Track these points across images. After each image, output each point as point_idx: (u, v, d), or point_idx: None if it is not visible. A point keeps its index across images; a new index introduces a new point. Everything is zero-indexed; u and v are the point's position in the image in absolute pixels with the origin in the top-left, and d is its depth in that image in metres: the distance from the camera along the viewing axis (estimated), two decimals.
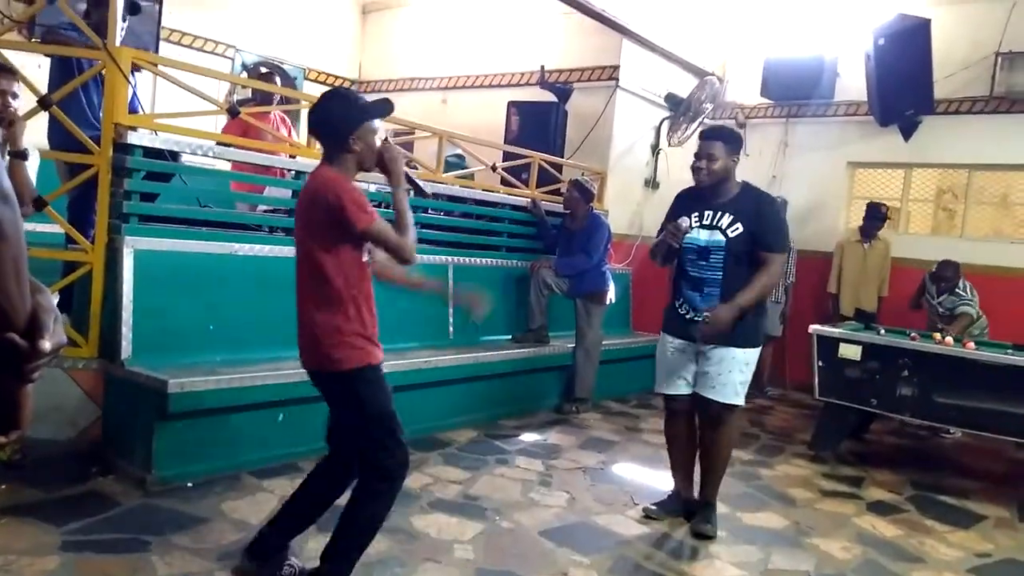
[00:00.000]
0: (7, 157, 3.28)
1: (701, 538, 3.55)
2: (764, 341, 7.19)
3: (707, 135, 3.57)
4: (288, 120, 5.85)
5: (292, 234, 4.47)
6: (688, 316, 3.55)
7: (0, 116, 3.23)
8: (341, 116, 2.49)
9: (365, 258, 2.54)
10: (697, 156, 3.50)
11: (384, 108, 2.57)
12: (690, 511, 3.72)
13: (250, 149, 4.69)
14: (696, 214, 3.50)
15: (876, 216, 7.00)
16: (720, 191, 3.49)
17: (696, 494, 3.76)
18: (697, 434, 3.73)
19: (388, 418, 2.54)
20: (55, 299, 0.80)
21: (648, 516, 3.70)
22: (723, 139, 3.50)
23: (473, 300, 3.25)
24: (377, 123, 2.52)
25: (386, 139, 2.57)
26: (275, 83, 6.04)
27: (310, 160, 4.88)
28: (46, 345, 0.78)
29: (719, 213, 3.48)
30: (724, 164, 3.47)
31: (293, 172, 4.82)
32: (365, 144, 2.49)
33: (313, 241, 2.47)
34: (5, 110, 3.25)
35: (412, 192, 2.74)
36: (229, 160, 4.83)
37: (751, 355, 3.54)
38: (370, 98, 2.61)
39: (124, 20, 4.29)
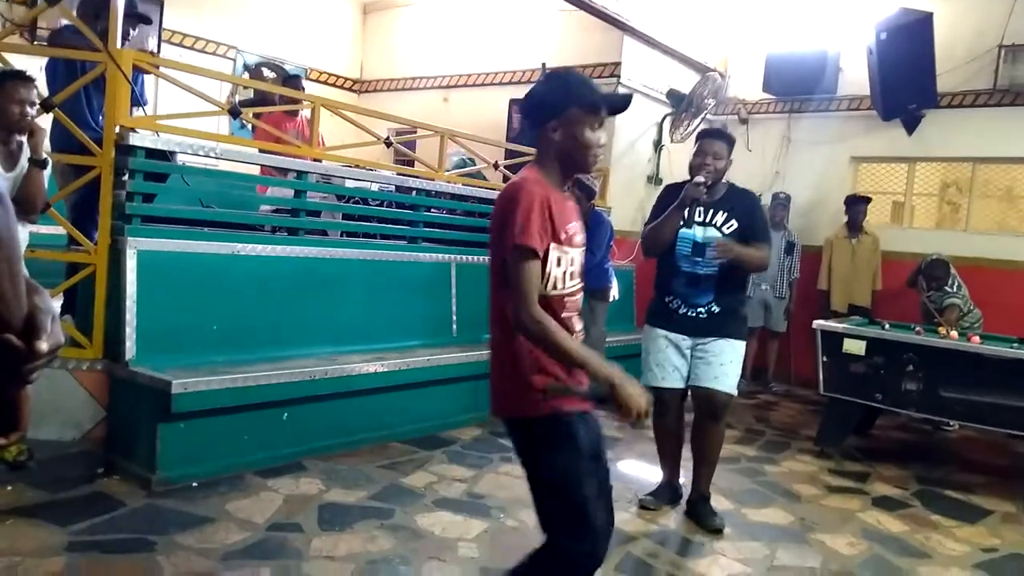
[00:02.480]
0: (28, 165, 3.29)
1: (716, 533, 3.57)
2: (771, 336, 7.34)
3: (712, 134, 3.67)
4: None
5: (294, 234, 4.51)
6: (681, 311, 3.61)
7: (19, 124, 3.24)
8: (550, 96, 2.03)
9: (560, 280, 2.02)
10: (703, 153, 3.56)
11: (612, 99, 2.07)
12: (678, 497, 3.86)
13: (274, 153, 4.71)
14: (687, 210, 3.59)
15: (855, 202, 7.03)
16: (712, 190, 3.59)
17: (676, 483, 3.89)
18: (683, 426, 3.82)
19: (570, 485, 1.96)
20: (58, 301, 0.80)
21: (644, 507, 3.77)
22: (727, 140, 3.62)
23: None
24: (600, 120, 2.02)
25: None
26: (302, 88, 6.10)
27: (330, 163, 4.90)
28: (43, 346, 0.78)
29: (712, 211, 3.58)
30: (726, 164, 3.60)
31: (310, 174, 4.79)
32: (567, 134, 1.99)
33: (493, 254, 2.09)
34: (23, 119, 3.25)
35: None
36: (251, 163, 4.85)
37: (743, 348, 3.68)
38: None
39: (134, 29, 4.32)
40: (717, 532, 3.58)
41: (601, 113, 2.02)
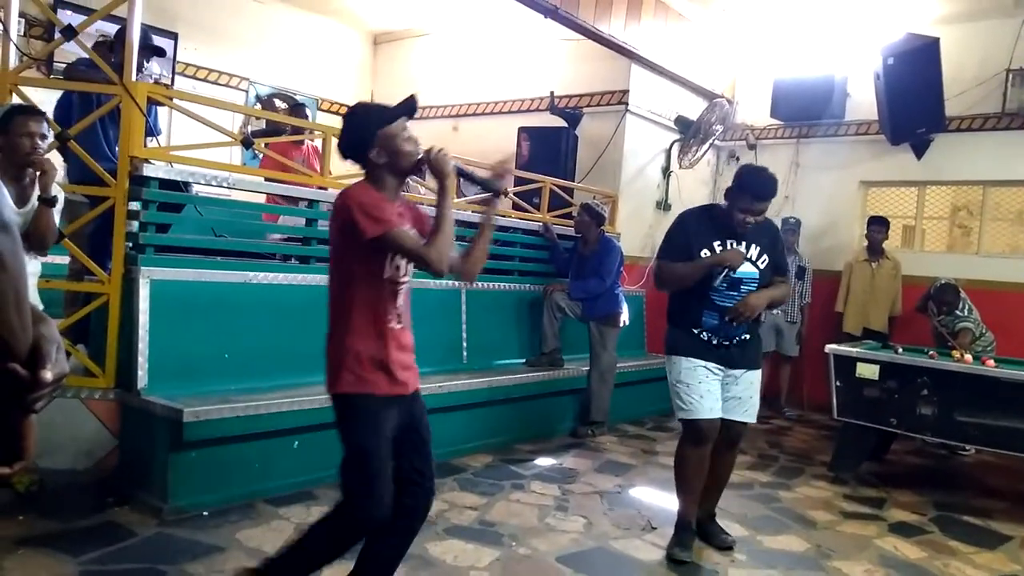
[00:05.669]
0: (38, 202, 3.28)
1: (728, 550, 3.59)
2: (783, 361, 7.30)
3: (760, 192, 3.38)
4: (320, 151, 5.91)
5: (306, 262, 4.54)
6: (714, 343, 3.48)
7: (30, 159, 3.18)
8: (357, 133, 2.35)
9: (388, 274, 2.32)
10: (752, 212, 3.37)
11: (403, 107, 2.36)
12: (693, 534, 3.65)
13: (279, 181, 4.76)
14: (718, 243, 3.44)
15: (870, 224, 7.01)
16: None
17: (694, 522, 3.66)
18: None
19: (363, 457, 2.27)
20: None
21: (679, 561, 3.46)
22: (775, 193, 3.46)
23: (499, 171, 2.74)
24: (403, 124, 2.35)
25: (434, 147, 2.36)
26: (306, 116, 6.14)
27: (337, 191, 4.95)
28: (48, 375, 0.78)
29: (746, 245, 3.44)
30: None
31: (322, 203, 4.81)
32: (389, 151, 2.31)
33: (332, 255, 2.40)
34: (34, 152, 3.18)
35: (493, 194, 2.68)
36: (263, 192, 4.90)
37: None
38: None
39: (148, 61, 4.38)
40: (729, 549, 3.58)
41: (402, 122, 2.35)
